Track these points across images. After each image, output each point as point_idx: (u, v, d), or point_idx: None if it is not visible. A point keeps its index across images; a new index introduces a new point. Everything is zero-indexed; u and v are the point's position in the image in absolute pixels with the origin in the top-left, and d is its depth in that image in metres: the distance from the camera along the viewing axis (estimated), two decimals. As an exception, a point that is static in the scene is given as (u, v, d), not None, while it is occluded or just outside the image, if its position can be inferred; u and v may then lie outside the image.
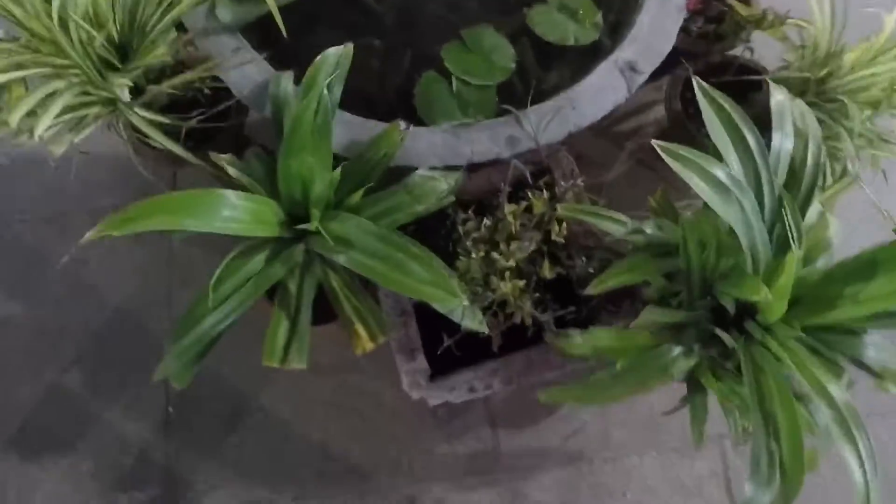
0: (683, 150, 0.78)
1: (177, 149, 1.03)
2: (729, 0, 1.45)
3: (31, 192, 1.59)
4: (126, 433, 1.33)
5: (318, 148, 0.91)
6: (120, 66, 1.07)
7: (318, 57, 0.98)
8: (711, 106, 0.86)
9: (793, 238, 0.83)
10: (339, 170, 0.94)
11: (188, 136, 1.19)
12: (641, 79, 1.08)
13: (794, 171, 0.95)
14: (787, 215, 0.86)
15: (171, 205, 0.82)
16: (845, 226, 0.97)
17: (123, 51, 1.10)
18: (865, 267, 0.81)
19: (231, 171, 0.93)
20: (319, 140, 0.91)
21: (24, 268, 1.51)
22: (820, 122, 1.20)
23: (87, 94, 1.02)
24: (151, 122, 1.04)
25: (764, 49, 1.44)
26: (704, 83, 0.86)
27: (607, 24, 1.18)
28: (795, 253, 0.78)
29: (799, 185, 0.96)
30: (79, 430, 1.33)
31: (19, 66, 0.99)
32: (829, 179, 1.15)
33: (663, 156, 0.76)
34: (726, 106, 0.86)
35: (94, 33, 0.98)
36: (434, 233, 1.04)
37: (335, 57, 0.98)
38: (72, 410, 1.35)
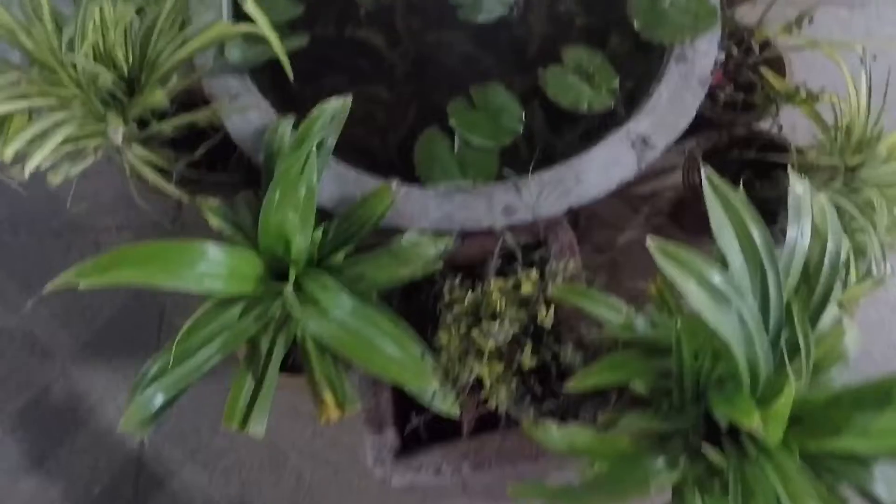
0: (681, 252, 0.72)
1: (169, 189, 1.01)
2: (762, 70, 1.39)
3: (43, 204, 1.61)
4: (99, 461, 1.31)
5: (303, 204, 0.88)
6: (126, 100, 1.06)
7: (315, 109, 0.95)
8: (718, 199, 0.79)
9: (795, 355, 0.76)
10: (321, 229, 0.90)
11: (195, 166, 1.18)
12: (653, 155, 1.02)
13: (809, 274, 0.88)
14: (795, 325, 0.79)
15: (143, 257, 0.80)
16: (866, 326, 0.89)
17: (132, 84, 1.10)
18: (878, 395, 0.73)
19: (213, 221, 0.90)
20: (304, 196, 0.88)
21: (25, 279, 1.52)
22: (846, 212, 1.12)
23: (87, 126, 1.02)
24: (146, 161, 1.03)
25: (796, 122, 1.37)
26: (715, 175, 0.80)
27: (624, 92, 1.13)
28: (798, 376, 0.70)
29: (813, 289, 0.88)
30: (52, 453, 1.32)
31: (25, 97, 1.00)
32: (853, 276, 1.07)
33: (656, 257, 0.70)
34: (735, 202, 0.79)
35: (100, 69, 0.98)
36: (422, 291, 1.00)
37: (333, 109, 0.96)
38: (48, 431, 1.34)
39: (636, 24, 1.16)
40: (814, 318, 0.86)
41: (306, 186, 0.87)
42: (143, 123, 1.11)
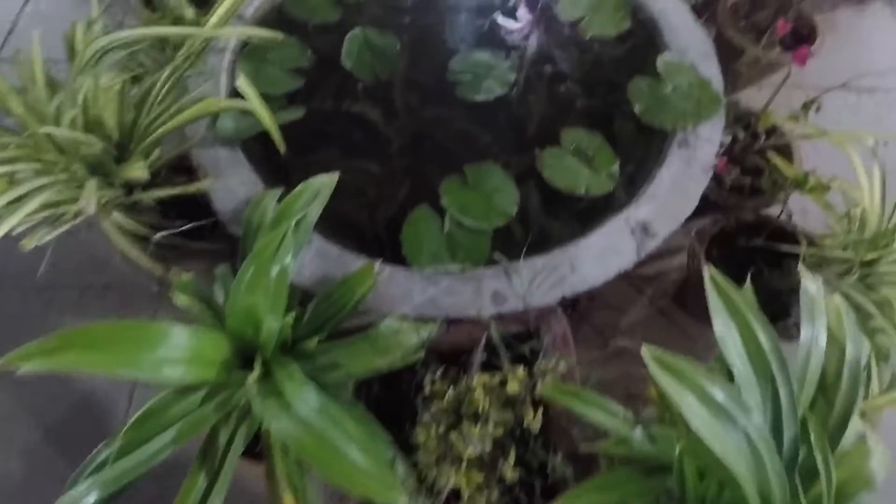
0: (679, 363, 0.64)
1: (142, 260, 0.97)
2: (769, 155, 1.35)
3: (31, 257, 1.58)
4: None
5: (275, 286, 0.82)
6: (113, 166, 1.04)
7: (300, 185, 0.92)
8: (722, 302, 0.72)
9: (814, 480, 0.67)
10: (295, 312, 0.85)
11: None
12: (654, 244, 0.97)
13: (826, 385, 0.79)
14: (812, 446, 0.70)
15: (96, 339, 0.74)
16: (893, 439, 0.79)
17: (122, 148, 1.09)
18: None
19: (181, 300, 0.85)
20: (277, 277, 0.83)
21: (2, 336, 1.47)
22: (864, 310, 1.04)
23: (67, 192, 1.00)
24: (125, 229, 0.99)
25: (807, 206, 1.31)
26: (719, 276, 0.74)
27: (624, 175, 1.09)
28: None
29: (832, 402, 0.79)
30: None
31: (10, 161, 0.98)
32: (875, 383, 0.98)
33: (650, 368, 0.63)
34: (741, 306, 0.72)
35: (84, 138, 0.96)
36: (402, 378, 0.92)
37: (318, 186, 0.92)
38: (6, 504, 1.25)
39: (637, 108, 1.14)
40: (834, 437, 0.77)
41: (280, 267, 0.82)
42: (131, 188, 1.08)
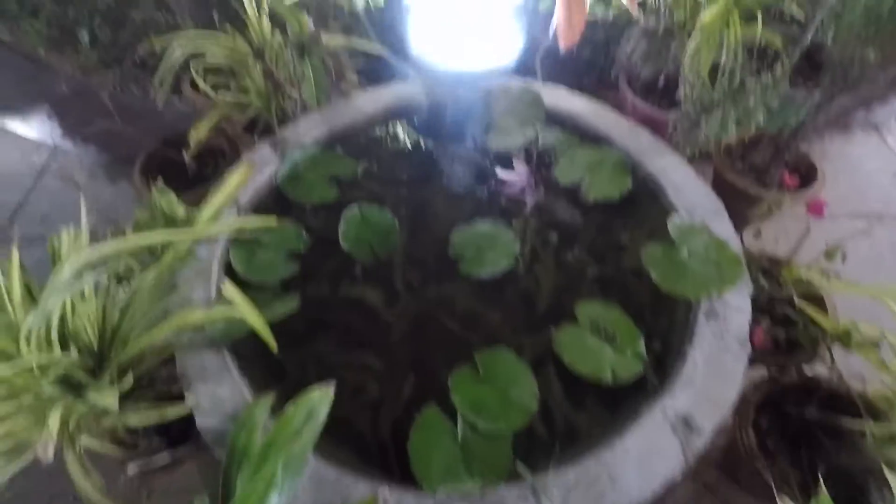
0: None
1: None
2: (799, 303, 1.26)
3: None
4: None
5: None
6: (87, 380, 0.95)
7: (290, 408, 0.81)
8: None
9: None
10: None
11: (163, 432, 1.03)
12: (700, 442, 0.84)
13: None
14: None
15: None
16: None
17: (100, 358, 1.00)
18: None
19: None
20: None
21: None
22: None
23: (32, 422, 0.89)
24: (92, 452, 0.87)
25: (849, 358, 1.19)
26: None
27: (651, 353, 0.99)
28: None
29: None
30: None
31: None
32: None
33: None
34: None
35: (57, 357, 0.88)
36: None
37: (310, 405, 0.81)
38: None
39: (654, 276, 1.07)
40: None
41: (265, 519, 0.68)
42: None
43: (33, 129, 2.47)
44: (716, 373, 0.92)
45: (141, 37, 2.17)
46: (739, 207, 1.62)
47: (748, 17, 1.48)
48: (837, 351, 1.20)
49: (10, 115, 2.54)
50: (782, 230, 1.58)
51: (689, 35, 1.51)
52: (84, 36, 2.30)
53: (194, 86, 1.77)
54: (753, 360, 1.27)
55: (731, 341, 0.95)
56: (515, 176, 1.34)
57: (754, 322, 1.20)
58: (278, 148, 1.37)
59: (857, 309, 1.18)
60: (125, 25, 2.20)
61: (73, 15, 2.21)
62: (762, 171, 1.68)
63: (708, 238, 1.10)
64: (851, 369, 1.25)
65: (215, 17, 1.82)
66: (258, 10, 1.62)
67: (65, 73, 2.48)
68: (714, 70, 1.43)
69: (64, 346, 0.95)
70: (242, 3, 1.61)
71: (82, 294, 1.00)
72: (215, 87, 1.77)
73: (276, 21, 1.61)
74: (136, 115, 2.01)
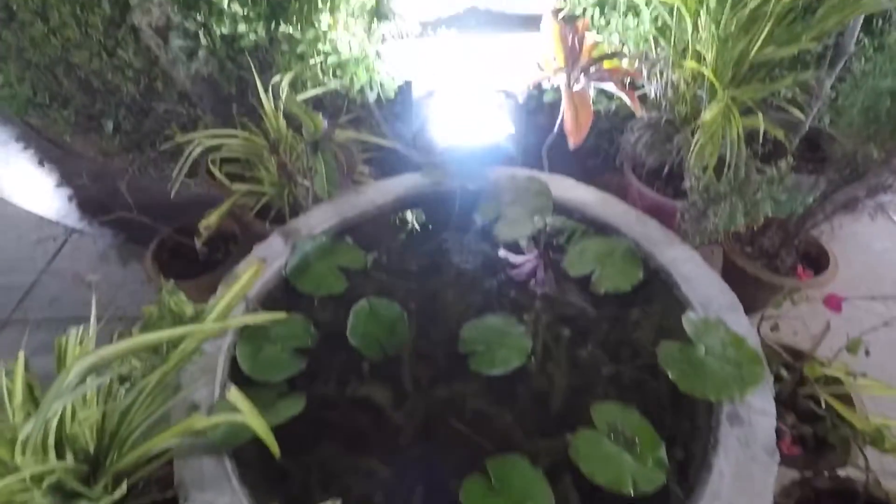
0: None
1: None
2: (825, 398, 1.21)
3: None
4: None
5: None
6: (81, 487, 0.91)
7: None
8: None
9: None
10: None
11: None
12: (734, 568, 0.77)
13: None
14: None
15: None
16: None
17: (96, 464, 0.96)
18: None
19: None
20: None
21: None
22: None
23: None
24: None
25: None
26: None
27: (674, 462, 0.94)
28: None
29: None
30: None
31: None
32: None
33: None
34: None
35: (51, 465, 0.85)
36: None
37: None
38: None
39: (671, 375, 1.03)
40: None
41: None
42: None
43: (53, 210, 2.54)
44: (744, 487, 0.86)
45: (163, 126, 2.28)
46: (751, 292, 1.60)
47: (748, 111, 1.52)
48: (870, 450, 1.14)
49: (32, 195, 2.62)
50: (799, 319, 1.55)
51: (692, 128, 1.56)
52: (108, 124, 2.41)
53: (209, 171, 1.82)
54: (781, 462, 1.21)
55: (759, 451, 0.90)
56: (524, 259, 1.34)
57: (779, 418, 1.15)
58: (289, 239, 1.38)
59: (886, 400, 1.13)
60: (148, 115, 2.31)
61: (100, 106, 2.33)
62: (772, 255, 1.67)
63: (725, 334, 1.07)
64: (886, 469, 1.19)
65: (234, 110, 1.91)
66: (275, 107, 1.69)
67: (87, 156, 2.58)
68: (720, 161, 1.46)
69: (60, 451, 0.92)
70: (260, 100, 1.69)
71: (84, 398, 0.98)
72: (230, 176, 1.83)
73: (291, 118, 1.68)
74: (151, 198, 2.06)
